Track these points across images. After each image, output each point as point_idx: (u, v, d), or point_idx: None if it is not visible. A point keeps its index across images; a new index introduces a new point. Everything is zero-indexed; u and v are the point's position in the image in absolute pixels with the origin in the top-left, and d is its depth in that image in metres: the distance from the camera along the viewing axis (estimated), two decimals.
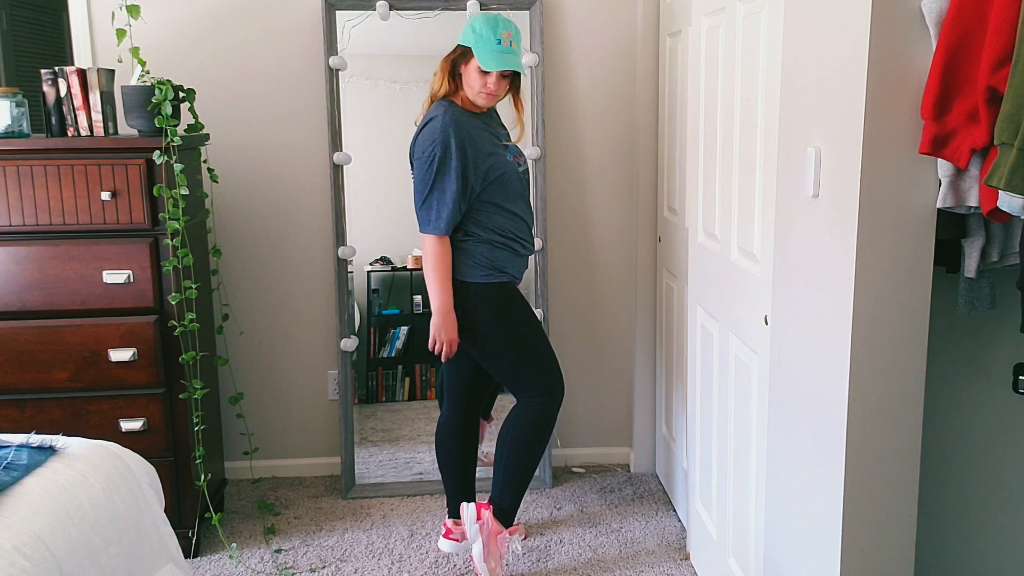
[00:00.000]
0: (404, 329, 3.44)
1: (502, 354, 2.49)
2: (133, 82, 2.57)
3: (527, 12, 3.03)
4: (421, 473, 3.19)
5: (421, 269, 2.55)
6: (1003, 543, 1.86)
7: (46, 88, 2.57)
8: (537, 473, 3.19)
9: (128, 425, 2.59)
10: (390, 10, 2.98)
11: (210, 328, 2.91)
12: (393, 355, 3.45)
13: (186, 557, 2.59)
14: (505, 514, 2.52)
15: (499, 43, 2.33)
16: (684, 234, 2.69)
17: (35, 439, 1.82)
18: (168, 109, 2.49)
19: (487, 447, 2.86)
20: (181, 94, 2.63)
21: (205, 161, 2.86)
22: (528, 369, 2.51)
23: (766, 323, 1.87)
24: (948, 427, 1.89)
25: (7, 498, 1.59)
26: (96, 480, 1.76)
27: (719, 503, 2.30)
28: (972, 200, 1.40)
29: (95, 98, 2.57)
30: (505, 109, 2.61)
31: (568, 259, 3.24)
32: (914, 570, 1.60)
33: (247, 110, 3.07)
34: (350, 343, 3.10)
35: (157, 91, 2.51)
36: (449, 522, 2.62)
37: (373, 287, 3.37)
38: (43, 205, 2.51)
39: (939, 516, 1.93)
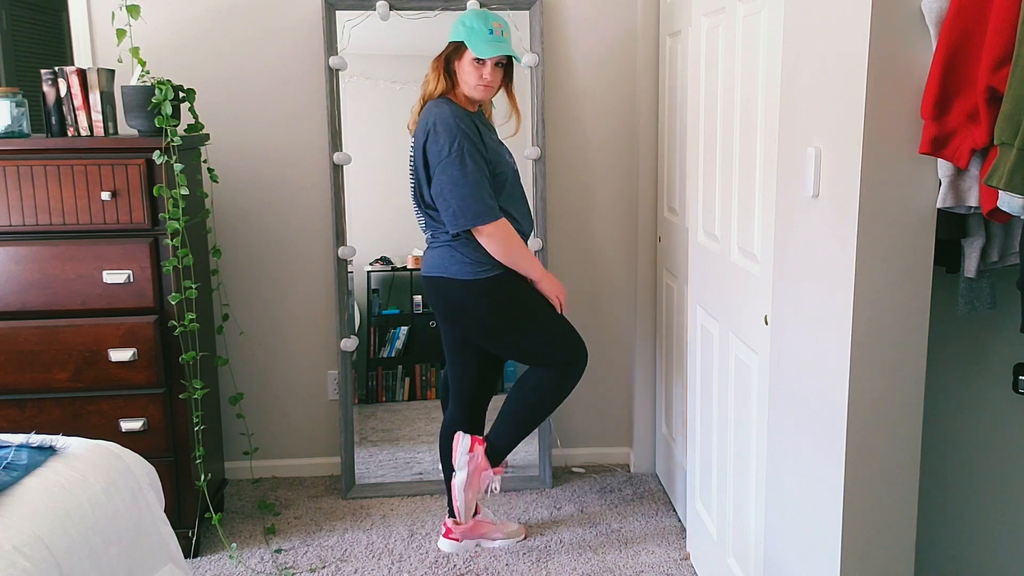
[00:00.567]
0: (404, 329, 3.45)
1: (520, 338, 2.50)
2: (133, 82, 2.57)
3: (527, 12, 3.03)
4: (421, 473, 3.20)
5: (421, 269, 2.55)
6: (1003, 543, 1.86)
7: (46, 88, 2.57)
8: (537, 473, 3.19)
9: (128, 425, 2.59)
10: (390, 10, 2.98)
11: (210, 328, 2.91)
12: (393, 355, 3.46)
13: (186, 557, 2.59)
14: (496, 453, 2.55)
15: (491, 32, 2.37)
16: (684, 234, 2.69)
17: (35, 439, 1.82)
18: (168, 109, 2.49)
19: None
20: (181, 94, 2.63)
21: (205, 161, 2.86)
22: (548, 346, 2.50)
23: (766, 323, 1.87)
24: (948, 427, 1.89)
25: (7, 498, 1.59)
26: (96, 480, 1.76)
27: (719, 503, 2.30)
28: (972, 200, 1.40)
29: (95, 98, 2.57)
30: (500, 106, 2.63)
31: (568, 259, 3.24)
32: (914, 570, 1.60)
33: (247, 110, 3.07)
34: (350, 343, 3.10)
35: (157, 91, 2.51)
36: (449, 522, 2.62)
37: (373, 287, 3.37)
38: (43, 205, 2.51)
39: (939, 516, 1.93)
